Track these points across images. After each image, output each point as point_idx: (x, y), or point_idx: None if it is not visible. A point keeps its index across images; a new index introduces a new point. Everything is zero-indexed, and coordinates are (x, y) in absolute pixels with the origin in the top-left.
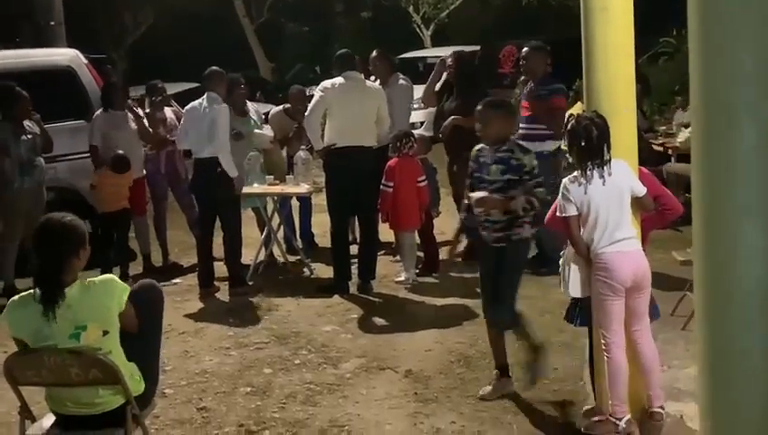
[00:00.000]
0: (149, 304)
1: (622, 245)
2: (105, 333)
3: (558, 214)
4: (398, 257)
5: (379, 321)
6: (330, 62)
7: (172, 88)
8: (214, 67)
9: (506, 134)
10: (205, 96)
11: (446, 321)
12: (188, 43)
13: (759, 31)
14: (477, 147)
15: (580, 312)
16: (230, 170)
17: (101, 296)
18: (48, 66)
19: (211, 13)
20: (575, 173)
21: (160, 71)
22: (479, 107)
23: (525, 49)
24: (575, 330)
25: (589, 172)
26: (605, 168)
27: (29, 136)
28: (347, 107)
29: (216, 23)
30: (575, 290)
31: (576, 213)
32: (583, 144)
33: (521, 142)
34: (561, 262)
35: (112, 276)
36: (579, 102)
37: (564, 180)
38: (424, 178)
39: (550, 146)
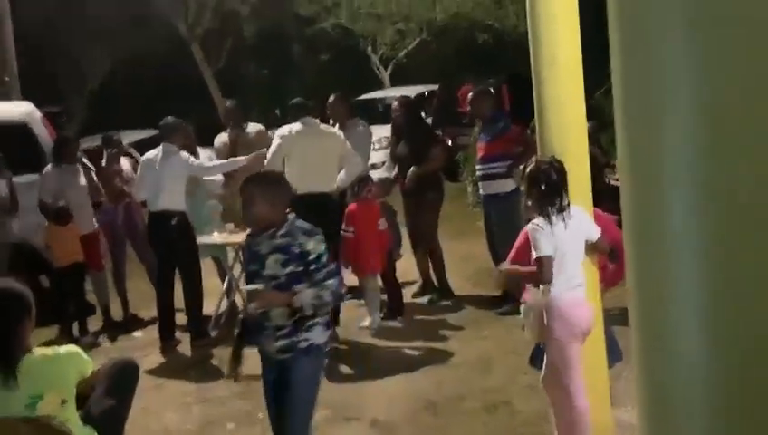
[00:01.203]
0: (123, 377)
1: (579, 291)
2: (64, 402)
3: (534, 253)
4: (362, 302)
5: (344, 369)
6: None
7: (133, 136)
8: (169, 117)
9: (278, 215)
10: (161, 147)
11: (411, 365)
12: (148, 88)
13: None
14: (248, 231)
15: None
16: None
17: (64, 367)
18: (3, 121)
19: (170, 57)
20: (538, 218)
21: (121, 117)
22: (242, 185)
23: (470, 94)
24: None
25: (551, 217)
26: (565, 212)
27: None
28: (305, 153)
29: (174, 67)
30: (540, 334)
31: (552, 253)
32: (543, 188)
33: (299, 225)
34: (523, 306)
35: (77, 349)
36: None
37: (535, 220)
38: (384, 221)
39: (508, 186)
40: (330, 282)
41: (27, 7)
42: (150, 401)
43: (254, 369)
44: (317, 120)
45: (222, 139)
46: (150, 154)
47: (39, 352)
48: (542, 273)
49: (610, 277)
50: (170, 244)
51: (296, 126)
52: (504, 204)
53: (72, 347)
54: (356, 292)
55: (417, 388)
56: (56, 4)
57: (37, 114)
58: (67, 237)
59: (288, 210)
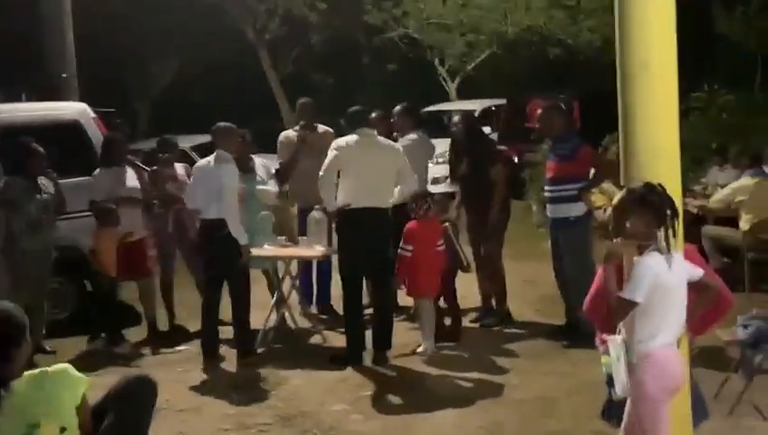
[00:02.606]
0: (138, 399)
1: (675, 343)
2: (63, 430)
3: (623, 295)
4: (416, 324)
5: (393, 399)
6: None
7: (195, 139)
8: (222, 123)
9: None
10: (214, 154)
11: (465, 399)
12: (215, 93)
13: None
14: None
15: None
16: (239, 237)
17: (55, 389)
18: (54, 120)
19: (238, 63)
20: (651, 250)
21: (185, 121)
22: None
23: (540, 110)
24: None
25: (664, 250)
26: (673, 250)
27: (42, 195)
28: (361, 166)
29: (242, 73)
30: (624, 390)
31: (641, 300)
32: (669, 213)
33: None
34: (612, 354)
35: (66, 367)
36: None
37: (644, 257)
38: (442, 242)
39: (578, 210)
40: None
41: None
42: (187, 426)
43: (295, 398)
44: (374, 132)
45: (287, 135)
46: (203, 161)
47: (27, 375)
48: (615, 315)
49: (700, 324)
50: (219, 254)
51: (353, 137)
52: (573, 229)
53: (60, 366)
54: (409, 312)
55: (471, 426)
56: (125, 5)
57: (90, 114)
58: (112, 245)
59: None
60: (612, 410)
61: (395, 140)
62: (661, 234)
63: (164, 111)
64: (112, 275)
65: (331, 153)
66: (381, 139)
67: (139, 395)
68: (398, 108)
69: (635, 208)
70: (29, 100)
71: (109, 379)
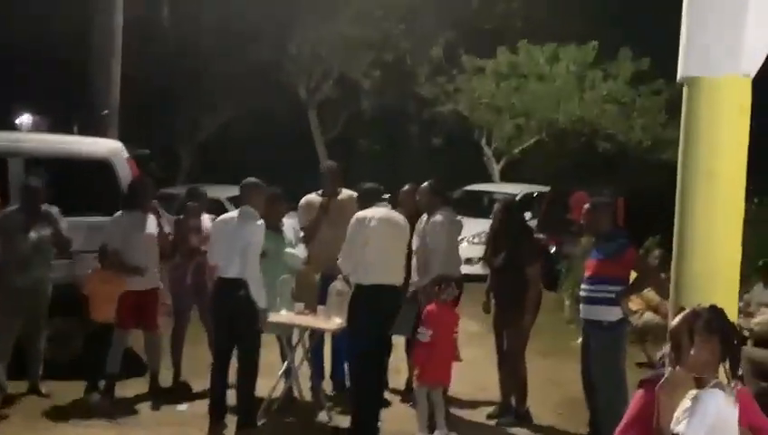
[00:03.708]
0: None
1: None
2: None
3: (675, 429)
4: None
5: None
6: (395, 184)
7: (232, 191)
8: (251, 178)
9: None
10: (239, 210)
11: None
12: (260, 147)
13: None
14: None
15: None
16: (259, 300)
17: None
18: (84, 156)
19: (286, 119)
20: (714, 385)
21: (227, 171)
22: None
23: (587, 205)
24: None
25: (727, 387)
26: (735, 385)
27: (40, 233)
28: (381, 242)
29: (290, 130)
30: None
31: None
32: (735, 343)
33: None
34: None
35: None
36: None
37: (708, 393)
38: (457, 329)
39: (614, 314)
40: None
41: (152, 46)
42: None
43: None
44: (389, 208)
45: (309, 199)
46: (227, 216)
47: None
48: None
49: None
50: (234, 315)
51: (378, 212)
52: (607, 334)
53: None
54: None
55: None
56: (182, 49)
57: (123, 154)
58: (107, 292)
59: None
60: None
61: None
62: (724, 367)
63: (208, 159)
64: (107, 322)
65: (356, 226)
66: (395, 213)
67: None
68: (424, 185)
69: (701, 333)
70: (80, 133)
71: (96, 433)
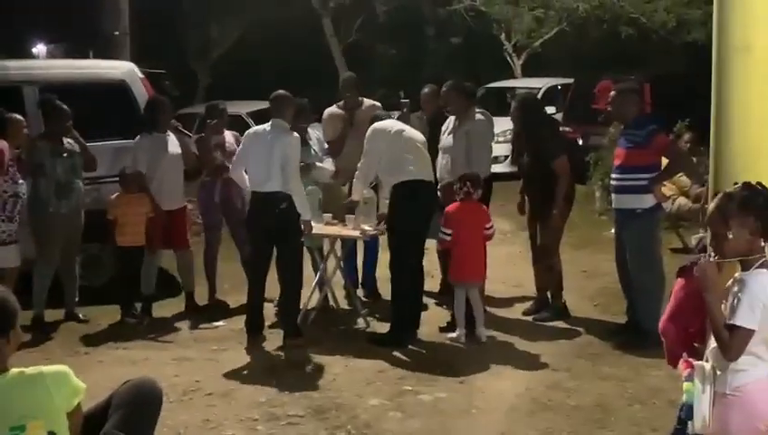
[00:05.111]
0: (143, 406)
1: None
2: (51, 434)
3: (740, 323)
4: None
5: (434, 396)
6: (417, 87)
7: (252, 106)
8: (281, 91)
9: None
10: (270, 123)
11: (514, 402)
12: (275, 59)
13: None
14: None
15: None
16: (305, 212)
17: (49, 392)
18: (99, 79)
19: (300, 30)
20: (759, 265)
21: (245, 86)
22: None
23: (612, 93)
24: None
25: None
26: None
27: (68, 155)
28: (410, 143)
29: (304, 40)
30: (704, 426)
31: (756, 327)
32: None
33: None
34: (697, 383)
35: (66, 371)
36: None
37: (754, 275)
38: (491, 225)
39: (647, 202)
40: None
41: None
42: (213, 413)
43: (331, 389)
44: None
45: (331, 112)
46: (258, 128)
47: (16, 371)
48: (730, 349)
49: None
50: (274, 230)
51: (394, 124)
52: (640, 222)
53: (60, 369)
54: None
55: (517, 434)
56: None
57: (137, 74)
58: (133, 216)
59: None
60: None
61: (446, 116)
62: None
63: (224, 74)
64: (138, 245)
65: (375, 139)
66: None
67: (144, 404)
68: (447, 84)
69: (736, 216)
70: (96, 57)
71: (136, 354)
